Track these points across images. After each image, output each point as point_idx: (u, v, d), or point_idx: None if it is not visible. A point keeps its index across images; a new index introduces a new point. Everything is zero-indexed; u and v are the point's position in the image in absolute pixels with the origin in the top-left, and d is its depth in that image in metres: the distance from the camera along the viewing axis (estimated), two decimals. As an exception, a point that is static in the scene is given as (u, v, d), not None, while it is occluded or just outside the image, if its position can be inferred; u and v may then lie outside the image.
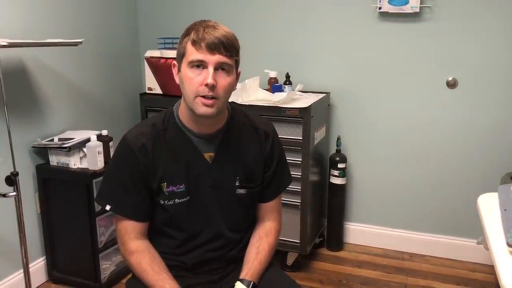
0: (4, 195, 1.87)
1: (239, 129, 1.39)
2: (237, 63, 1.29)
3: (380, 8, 2.57)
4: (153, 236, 1.40)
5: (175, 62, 1.31)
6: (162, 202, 1.34)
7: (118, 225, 1.37)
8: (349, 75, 2.76)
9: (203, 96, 1.22)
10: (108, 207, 1.37)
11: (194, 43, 1.21)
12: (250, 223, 1.48)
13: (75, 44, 2.12)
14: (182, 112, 1.34)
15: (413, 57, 2.61)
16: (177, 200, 1.34)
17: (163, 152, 1.33)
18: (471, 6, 2.45)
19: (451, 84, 2.57)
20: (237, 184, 1.38)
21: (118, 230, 1.38)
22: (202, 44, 1.20)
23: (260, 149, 1.40)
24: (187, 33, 1.25)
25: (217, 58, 1.21)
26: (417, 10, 2.50)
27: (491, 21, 2.43)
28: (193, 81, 1.22)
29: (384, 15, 2.60)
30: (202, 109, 1.23)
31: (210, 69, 1.21)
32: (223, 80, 1.23)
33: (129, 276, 1.49)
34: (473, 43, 2.49)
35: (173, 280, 1.31)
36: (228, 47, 1.22)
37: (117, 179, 1.36)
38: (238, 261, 1.43)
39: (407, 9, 2.51)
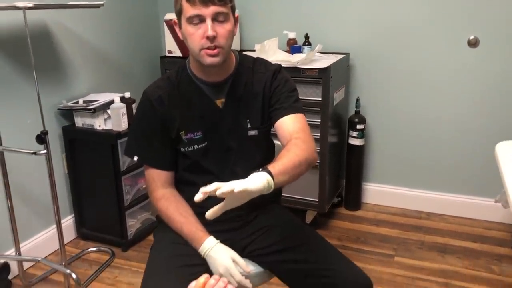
0: (35, 153, 1.95)
1: (247, 75, 1.44)
2: (232, 8, 1.33)
3: (401, -35, 2.53)
4: (179, 186, 1.48)
5: (175, 20, 1.36)
6: (183, 149, 1.42)
7: (146, 174, 1.47)
8: (369, 35, 2.74)
9: (207, 48, 1.28)
10: (135, 158, 1.47)
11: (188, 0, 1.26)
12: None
13: (97, 6, 2.15)
14: (192, 64, 1.42)
15: (434, 16, 2.58)
16: (196, 146, 1.42)
17: (178, 102, 1.41)
18: (495, -38, 2.39)
19: (472, 43, 2.54)
20: (248, 126, 1.44)
21: (147, 179, 1.48)
22: None
23: (266, 88, 1.44)
24: None
25: (212, 9, 1.25)
26: (439, -33, 2.45)
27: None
28: (195, 36, 1.28)
29: (405, -27, 2.56)
30: (208, 60, 1.30)
31: (208, 22, 1.26)
32: (222, 29, 1.28)
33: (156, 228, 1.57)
34: (494, 1, 2.44)
35: (199, 223, 1.38)
36: None
37: (140, 131, 1.46)
38: (259, 209, 1.49)
39: (428, -34, 2.47)
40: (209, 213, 1.08)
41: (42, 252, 2.40)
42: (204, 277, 0.84)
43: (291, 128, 1.35)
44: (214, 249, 1.33)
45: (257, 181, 1.09)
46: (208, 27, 1.26)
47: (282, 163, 1.19)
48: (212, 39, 1.26)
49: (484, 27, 2.50)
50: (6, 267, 1.10)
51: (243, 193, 1.05)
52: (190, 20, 1.27)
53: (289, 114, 1.39)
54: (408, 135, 2.81)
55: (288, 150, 1.25)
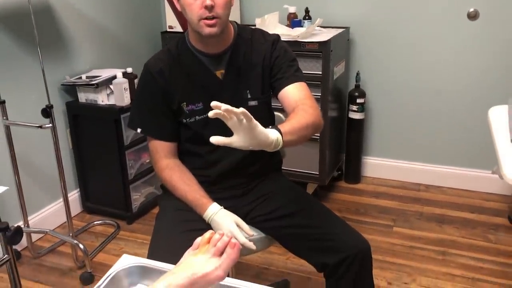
0: (40, 127, 1.99)
1: (246, 45, 1.47)
2: None
3: None
4: (181, 156, 1.52)
5: None
6: (185, 120, 1.46)
7: (149, 146, 1.51)
8: (369, 10, 2.74)
9: (205, 18, 1.30)
10: (139, 130, 1.51)
11: None
12: None
13: (98, -19, 2.16)
14: (191, 36, 1.44)
15: (434, -11, 2.58)
16: (197, 117, 1.45)
17: (179, 74, 1.44)
18: None
19: (472, 16, 2.55)
20: (248, 96, 1.47)
21: (150, 150, 1.51)
22: None
23: (266, 58, 1.47)
24: None
25: None
26: None
27: None
28: (193, 6, 1.30)
29: None
30: (207, 30, 1.33)
31: None
32: None
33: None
34: (496, -28, 2.44)
35: (203, 190, 1.43)
36: None
37: (143, 103, 1.50)
38: (260, 177, 1.53)
39: None
40: (214, 138, 1.06)
41: (49, 225, 2.46)
42: (209, 232, 0.89)
43: (297, 97, 1.39)
44: (218, 214, 1.38)
45: (268, 132, 1.10)
46: None
47: (291, 124, 1.22)
48: (210, 8, 1.29)
49: (483, 0, 2.50)
50: (19, 231, 1.15)
51: (252, 132, 1.05)
52: None
53: (292, 83, 1.42)
54: (407, 108, 2.84)
55: (296, 113, 1.30)
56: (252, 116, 1.03)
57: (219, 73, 1.46)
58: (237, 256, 0.86)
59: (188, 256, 0.87)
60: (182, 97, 1.44)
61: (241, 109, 1.01)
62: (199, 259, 0.85)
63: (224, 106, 0.99)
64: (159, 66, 1.44)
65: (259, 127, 1.06)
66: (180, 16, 2.76)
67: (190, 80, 1.45)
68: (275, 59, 1.46)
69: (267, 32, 1.53)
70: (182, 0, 1.33)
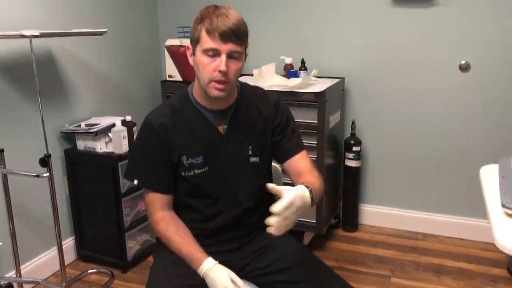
0: (37, 176, 1.99)
1: (248, 103, 1.51)
2: (246, 48, 1.41)
3: (393, -7, 2.62)
4: (177, 210, 1.52)
5: (189, 45, 1.42)
6: (183, 174, 1.47)
7: (145, 197, 1.51)
8: (364, 61, 2.82)
9: (216, 81, 1.35)
10: (135, 182, 1.51)
11: (208, 32, 1.32)
12: (267, 192, 1.58)
13: (100, 33, 2.23)
14: (196, 92, 1.47)
15: (426, 42, 2.66)
16: (196, 171, 1.46)
17: (181, 128, 1.46)
18: (484, -10, 2.49)
19: (464, 68, 2.62)
20: (250, 152, 1.49)
21: (146, 202, 1.52)
22: (216, 33, 1.31)
23: (268, 118, 1.52)
24: (201, 19, 1.36)
25: (229, 47, 1.33)
26: (430, -5, 2.55)
27: (502, 5, 2.47)
28: (208, 67, 1.34)
29: (398, 1, 2.65)
30: (215, 93, 1.37)
31: (223, 57, 1.33)
32: (234, 65, 1.36)
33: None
34: (485, 27, 2.53)
35: (198, 244, 1.42)
36: (239, 35, 1.34)
37: (142, 156, 1.51)
38: (257, 229, 1.53)
39: (420, -6, 2.56)
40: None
41: (42, 274, 2.43)
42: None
43: (303, 167, 1.51)
44: (213, 270, 1.36)
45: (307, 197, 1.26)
46: (223, 62, 1.32)
47: (315, 188, 1.33)
48: (224, 73, 1.33)
49: (475, 53, 2.58)
50: (10, 287, 1.14)
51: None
52: (206, 51, 1.33)
53: (298, 153, 1.52)
54: (403, 157, 2.87)
55: (310, 178, 1.42)
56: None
57: (222, 128, 1.48)
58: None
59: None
60: (182, 151, 1.46)
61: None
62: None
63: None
64: (161, 120, 1.46)
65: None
66: (181, 66, 2.83)
67: (192, 134, 1.47)
68: (278, 124, 1.52)
69: (268, 92, 1.58)
70: (197, 57, 1.36)
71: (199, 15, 1.37)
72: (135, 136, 2.56)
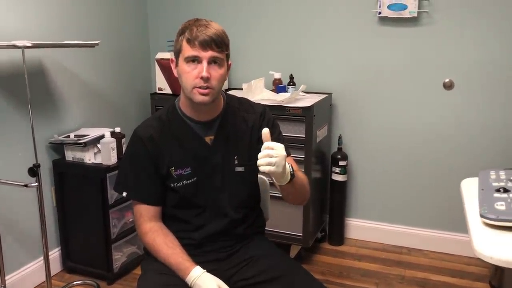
0: (26, 185, 2.00)
1: (234, 114, 1.55)
2: (227, 56, 1.45)
3: (380, 13, 2.70)
4: (165, 220, 1.54)
5: (173, 58, 1.47)
6: (172, 185, 1.49)
7: (134, 209, 1.54)
8: (350, 77, 2.88)
9: (200, 87, 1.39)
10: (124, 194, 1.54)
11: (188, 41, 1.38)
12: (254, 203, 1.61)
13: (92, 45, 2.25)
14: (182, 104, 1.51)
15: (411, 60, 2.74)
16: (185, 182, 1.49)
17: (169, 140, 1.50)
18: (466, 12, 2.57)
19: (448, 86, 2.69)
20: (236, 162, 1.53)
21: (134, 214, 1.54)
22: (196, 42, 1.36)
23: (254, 129, 1.55)
24: (182, 31, 1.41)
25: (210, 53, 1.37)
26: (415, 15, 2.63)
27: (485, 25, 2.56)
28: (190, 74, 1.39)
29: (384, 20, 2.73)
30: (199, 98, 1.40)
31: (204, 64, 1.37)
32: (216, 72, 1.40)
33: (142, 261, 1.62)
34: (468, 46, 2.61)
35: (186, 254, 1.44)
36: (219, 44, 1.39)
37: (131, 168, 1.53)
38: (244, 240, 1.55)
39: (405, 14, 2.64)
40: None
41: (27, 285, 2.41)
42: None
43: None
44: (201, 278, 1.38)
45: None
46: (204, 69, 1.37)
47: (297, 174, 1.42)
48: (205, 79, 1.37)
49: (458, 71, 2.66)
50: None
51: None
52: (187, 59, 1.38)
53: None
54: (389, 172, 2.92)
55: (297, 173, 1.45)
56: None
57: (208, 139, 1.51)
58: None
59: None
60: (171, 162, 1.48)
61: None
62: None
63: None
64: (149, 133, 1.49)
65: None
66: (171, 79, 2.86)
67: (180, 145, 1.50)
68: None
69: (254, 103, 1.62)
70: (180, 67, 1.41)
71: (181, 27, 1.43)
72: (124, 148, 2.58)
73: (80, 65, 2.71)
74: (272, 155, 1.25)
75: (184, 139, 1.50)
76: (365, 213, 3.03)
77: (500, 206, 1.19)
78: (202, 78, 1.37)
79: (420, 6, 2.62)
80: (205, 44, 1.36)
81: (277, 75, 2.87)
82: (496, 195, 1.26)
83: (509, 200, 1.21)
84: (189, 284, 1.40)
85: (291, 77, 2.84)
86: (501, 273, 2.41)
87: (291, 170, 1.36)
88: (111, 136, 2.50)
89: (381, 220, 3.00)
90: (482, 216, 1.18)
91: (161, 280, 1.43)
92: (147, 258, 1.57)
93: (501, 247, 1.07)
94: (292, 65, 2.94)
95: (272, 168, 1.26)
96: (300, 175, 1.47)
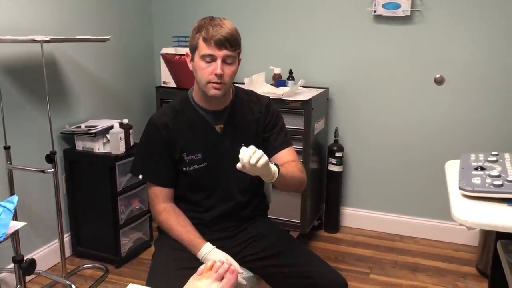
0: (43, 171, 2.12)
1: (242, 105, 1.70)
2: (239, 53, 1.59)
3: (375, 11, 2.84)
4: (177, 202, 1.68)
5: (188, 52, 1.60)
6: (184, 169, 1.63)
7: (149, 191, 1.67)
8: (347, 73, 3.03)
9: (214, 82, 1.53)
10: (140, 176, 1.68)
11: (205, 40, 1.51)
12: (258, 187, 1.75)
13: (103, 40, 2.38)
14: (195, 94, 1.65)
15: (404, 56, 2.88)
16: (196, 166, 1.63)
17: (182, 127, 1.63)
18: (458, 10, 2.72)
19: (439, 81, 2.84)
20: None
21: (149, 195, 1.67)
22: (212, 41, 1.50)
23: (260, 119, 1.70)
24: (198, 29, 1.54)
25: (224, 53, 1.51)
26: (408, 13, 2.77)
27: (475, 23, 2.70)
28: (205, 70, 1.52)
29: (379, 18, 2.87)
30: (212, 92, 1.54)
31: (219, 62, 1.51)
32: (228, 69, 1.54)
33: (148, 250, 1.76)
34: (458, 44, 2.76)
35: (197, 232, 1.59)
36: (233, 43, 1.52)
37: (146, 152, 1.67)
38: (249, 220, 1.70)
39: (399, 12, 2.78)
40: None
41: (40, 268, 2.52)
42: (211, 261, 1.04)
43: (287, 159, 1.66)
44: (211, 253, 1.52)
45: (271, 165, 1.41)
46: (218, 66, 1.50)
47: (285, 168, 1.53)
48: (219, 76, 1.51)
49: (449, 67, 2.80)
50: (33, 262, 1.27)
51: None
52: (203, 57, 1.51)
53: (284, 148, 1.69)
54: (382, 163, 3.07)
55: (286, 167, 1.56)
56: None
57: (218, 128, 1.65)
58: (236, 281, 1.01)
59: (193, 281, 1.02)
60: (183, 148, 1.62)
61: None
62: (202, 283, 1.00)
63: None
64: (164, 120, 1.62)
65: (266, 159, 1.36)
66: (176, 73, 2.99)
67: (192, 132, 1.63)
68: (268, 123, 1.70)
69: (260, 95, 1.77)
70: (195, 62, 1.54)
71: (197, 25, 1.56)
72: (131, 138, 2.71)
73: (89, 59, 2.83)
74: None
75: (195, 127, 1.64)
76: (360, 202, 3.18)
77: (476, 180, 1.38)
78: (216, 75, 1.50)
79: (413, 5, 2.77)
80: (220, 44, 1.49)
81: (277, 70, 3.00)
82: (474, 172, 1.46)
83: (484, 176, 1.41)
84: (200, 258, 1.54)
85: (290, 72, 2.98)
86: (487, 258, 2.57)
87: (277, 169, 1.44)
88: (120, 127, 2.63)
89: (375, 209, 3.16)
90: (460, 188, 1.37)
91: (175, 255, 1.57)
92: (161, 235, 1.71)
93: (474, 212, 1.26)
94: (291, 61, 3.08)
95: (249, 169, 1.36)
96: (289, 168, 1.57)
